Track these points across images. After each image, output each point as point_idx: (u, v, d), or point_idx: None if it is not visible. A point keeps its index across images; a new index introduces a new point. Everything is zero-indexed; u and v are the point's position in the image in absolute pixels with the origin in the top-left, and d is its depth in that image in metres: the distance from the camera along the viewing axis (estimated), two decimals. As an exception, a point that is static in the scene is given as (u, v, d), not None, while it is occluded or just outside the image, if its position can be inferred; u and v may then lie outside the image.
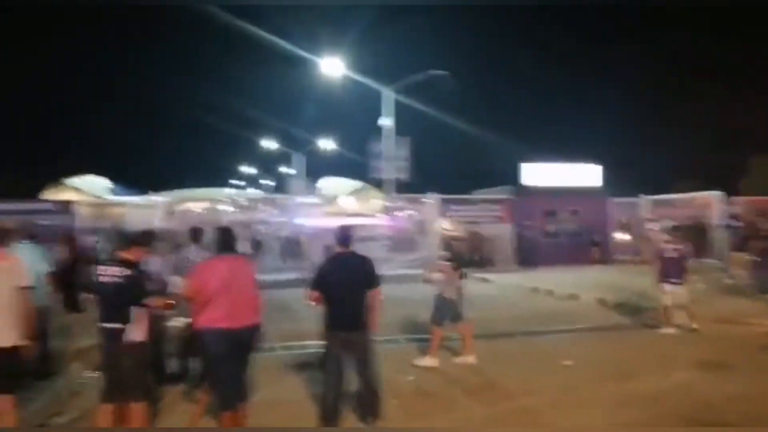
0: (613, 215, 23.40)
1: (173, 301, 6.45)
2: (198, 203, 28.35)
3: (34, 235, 7.87)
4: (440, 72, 25.27)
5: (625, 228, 23.47)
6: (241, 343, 5.21)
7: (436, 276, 8.54)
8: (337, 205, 33.92)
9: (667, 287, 10.30)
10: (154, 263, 7.17)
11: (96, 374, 5.29)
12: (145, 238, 7.56)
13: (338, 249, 5.80)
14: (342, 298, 5.59)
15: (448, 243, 9.13)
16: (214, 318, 5.16)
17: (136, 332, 5.12)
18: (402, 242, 22.71)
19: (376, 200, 31.34)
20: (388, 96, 25.60)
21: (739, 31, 63.11)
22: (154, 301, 5.52)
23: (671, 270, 10.30)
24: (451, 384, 7.31)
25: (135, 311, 5.13)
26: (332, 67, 25.89)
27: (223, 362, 5.18)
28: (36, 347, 5.18)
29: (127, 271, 5.15)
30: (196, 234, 7.60)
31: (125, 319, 5.07)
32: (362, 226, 22.86)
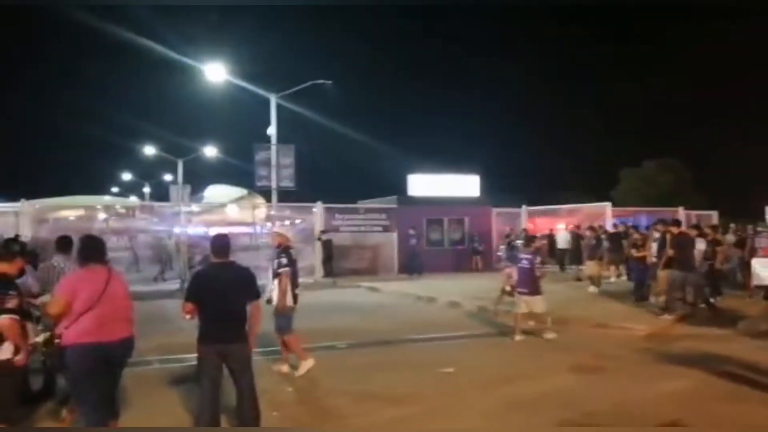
0: (495, 224, 24.24)
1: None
2: (72, 211, 26.88)
3: None
4: (324, 81, 25.28)
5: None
6: (110, 358, 4.88)
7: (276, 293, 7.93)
8: (222, 213, 33.11)
9: (523, 297, 10.52)
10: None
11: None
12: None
13: (215, 258, 5.58)
14: (218, 309, 5.38)
15: (285, 248, 8.12)
16: (81, 332, 4.82)
17: (4, 350, 4.75)
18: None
19: (261, 209, 30.89)
20: (273, 102, 25.28)
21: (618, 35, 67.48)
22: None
23: (524, 280, 10.58)
24: (333, 394, 7.23)
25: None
26: (214, 72, 25.27)
27: (91, 378, 4.83)
28: None
29: None
30: (63, 243, 7.12)
31: None
32: (245, 235, 22.46)
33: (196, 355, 5.52)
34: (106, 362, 4.86)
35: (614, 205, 24.85)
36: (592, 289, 15.60)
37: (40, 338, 5.93)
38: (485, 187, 24.86)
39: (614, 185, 47.20)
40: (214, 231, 24.88)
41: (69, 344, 4.86)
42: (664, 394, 7.10)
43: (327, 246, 21.21)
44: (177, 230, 23.56)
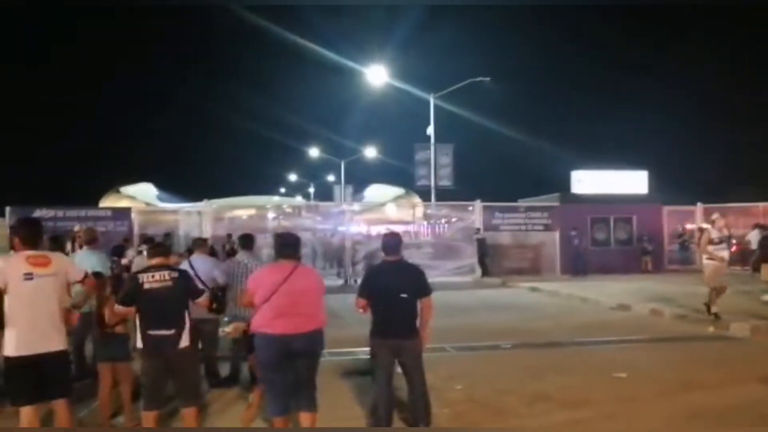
0: (666, 223, 22.89)
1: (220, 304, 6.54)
2: (244, 210, 28.77)
3: (92, 240, 7.95)
4: (483, 78, 25.14)
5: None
6: (293, 350, 5.10)
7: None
8: (381, 212, 33.96)
9: None
10: (204, 265, 7.30)
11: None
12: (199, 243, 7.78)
13: (386, 257, 5.72)
14: (391, 306, 5.50)
15: None
16: (259, 322, 5.12)
17: (186, 337, 5.16)
18: (446, 249, 22.63)
19: (419, 207, 31.31)
20: (431, 103, 25.53)
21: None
22: (202, 302, 5.60)
23: None
24: (503, 394, 7.14)
25: (186, 316, 5.17)
26: (376, 75, 25.99)
27: (273, 367, 5.13)
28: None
29: (175, 275, 5.20)
30: (246, 241, 7.63)
31: (179, 325, 5.10)
32: (405, 233, 22.89)
33: (365, 348, 5.67)
34: (286, 353, 5.08)
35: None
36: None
37: (228, 328, 6.42)
38: (655, 183, 23.49)
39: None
40: (375, 229, 25.69)
41: (254, 332, 5.21)
42: None
43: (481, 245, 21.06)
44: (341, 228, 24.48)
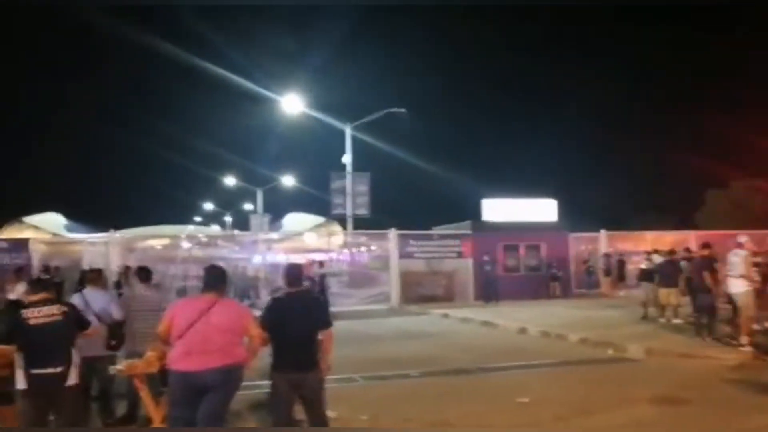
0: (572, 250, 23.73)
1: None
2: (157, 240, 27.96)
3: None
4: (398, 110, 25.56)
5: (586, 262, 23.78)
6: (201, 386, 4.96)
7: None
8: (299, 241, 33.74)
9: None
10: (99, 299, 7.01)
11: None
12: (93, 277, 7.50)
13: (288, 288, 5.69)
14: (291, 338, 5.46)
15: None
16: (176, 358, 4.99)
17: (75, 374, 4.98)
18: (361, 277, 22.73)
19: (338, 236, 31.33)
20: (348, 133, 25.73)
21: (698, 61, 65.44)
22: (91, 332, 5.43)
23: None
24: (407, 422, 7.18)
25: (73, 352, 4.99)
26: (291, 104, 26.02)
27: (178, 403, 4.99)
28: None
29: (64, 308, 5.02)
30: (143, 273, 7.43)
31: (66, 362, 4.92)
32: (321, 262, 22.85)
33: (268, 382, 5.61)
34: (193, 390, 4.95)
35: (700, 228, 23.95)
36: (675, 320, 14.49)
37: (121, 365, 6.21)
38: (562, 211, 24.39)
39: (698, 207, 45.36)
40: (294, 258, 25.49)
41: (168, 368, 5.10)
42: (759, 428, 6.72)
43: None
44: (257, 259, 24.16)
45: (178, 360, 5.00)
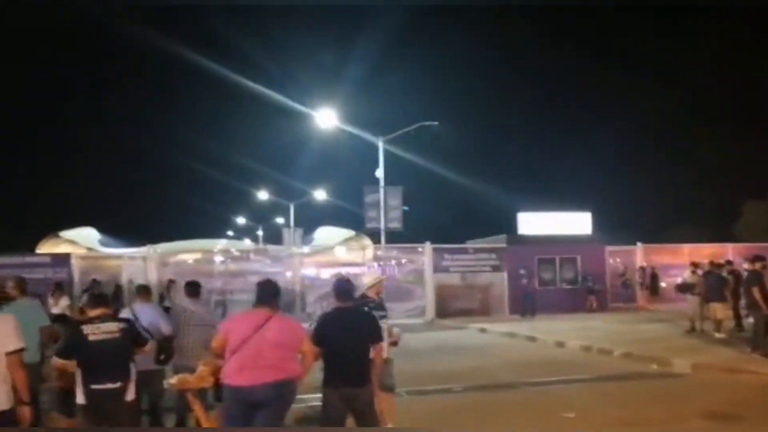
0: (608, 263, 23.47)
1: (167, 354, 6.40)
2: (190, 255, 28.26)
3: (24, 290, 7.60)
4: (430, 123, 25.58)
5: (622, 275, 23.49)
6: (254, 401, 4.97)
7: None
8: (331, 255, 33.86)
9: None
10: (148, 314, 7.10)
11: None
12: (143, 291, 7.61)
13: (338, 303, 5.70)
14: (343, 353, 5.46)
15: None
16: (230, 373, 5.02)
17: (132, 390, 5.04)
18: (395, 292, 22.67)
19: (369, 249, 31.34)
20: (380, 146, 25.81)
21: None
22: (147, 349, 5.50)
23: None
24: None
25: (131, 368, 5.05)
26: (326, 118, 26.18)
27: (232, 419, 5.02)
28: (31, 411, 4.69)
29: (122, 325, 5.09)
30: (192, 287, 7.51)
31: (124, 378, 4.98)
32: (355, 276, 22.81)
33: (318, 395, 5.61)
34: (247, 405, 4.97)
35: (738, 240, 23.50)
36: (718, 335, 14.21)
37: (173, 380, 6.25)
38: (598, 224, 24.13)
39: (735, 219, 44.55)
40: (325, 272, 25.56)
41: (223, 383, 5.11)
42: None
43: None
44: (289, 273, 24.25)
45: (233, 375, 5.02)
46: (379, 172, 25.53)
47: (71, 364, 4.98)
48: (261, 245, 45.85)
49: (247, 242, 52.43)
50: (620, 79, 78.41)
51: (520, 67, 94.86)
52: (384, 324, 6.31)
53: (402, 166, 28.15)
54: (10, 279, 7.44)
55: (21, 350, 4.53)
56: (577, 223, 23.85)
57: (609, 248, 23.48)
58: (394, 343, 6.83)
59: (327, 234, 46.39)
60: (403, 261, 24.97)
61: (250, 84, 28.88)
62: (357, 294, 6.00)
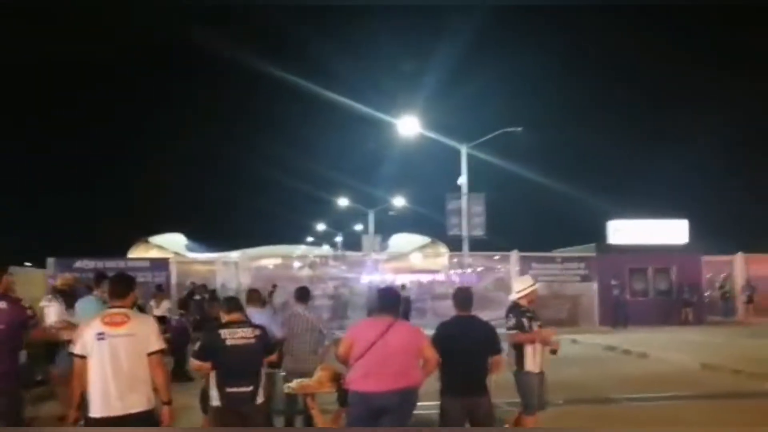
0: (704, 274, 22.50)
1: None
2: (270, 260, 28.85)
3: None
4: (514, 129, 25.17)
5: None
6: (381, 408, 4.95)
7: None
8: (407, 261, 33.94)
9: None
10: (261, 319, 7.19)
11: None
12: (254, 297, 7.73)
13: (458, 311, 5.63)
14: (463, 362, 5.39)
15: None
16: (356, 379, 5.02)
17: (262, 393, 5.12)
18: (481, 300, 22.38)
19: (444, 257, 31.23)
20: (464, 153, 25.57)
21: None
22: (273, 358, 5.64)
23: None
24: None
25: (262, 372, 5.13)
26: (407, 126, 26.14)
27: (359, 425, 5.01)
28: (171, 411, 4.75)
29: (258, 332, 5.15)
30: (302, 293, 7.58)
31: (256, 382, 5.08)
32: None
33: (433, 403, 5.53)
34: (374, 411, 4.95)
35: None
36: None
37: (293, 384, 6.27)
38: (695, 232, 23.15)
39: None
40: (401, 278, 25.54)
41: (347, 388, 5.11)
42: None
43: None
44: (366, 279, 24.39)
45: (358, 381, 5.01)
46: (462, 180, 25.27)
47: (207, 366, 5.08)
48: (339, 251, 46.31)
49: (326, 248, 53.08)
50: (718, 80, 75.11)
51: (608, 65, 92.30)
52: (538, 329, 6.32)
53: (485, 172, 27.80)
54: (71, 277, 7.66)
55: (162, 351, 4.65)
56: (672, 231, 22.92)
57: (706, 258, 22.48)
58: (553, 351, 6.73)
59: (403, 240, 46.52)
60: (479, 269, 24.73)
61: (332, 95, 29.06)
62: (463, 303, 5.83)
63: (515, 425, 6.73)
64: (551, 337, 6.64)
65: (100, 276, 7.95)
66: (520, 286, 6.74)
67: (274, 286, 16.33)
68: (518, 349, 6.57)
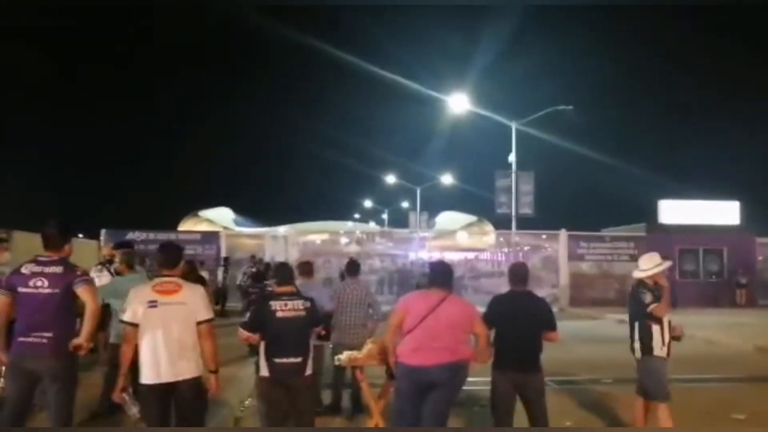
0: (758, 256, 21.93)
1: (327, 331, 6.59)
2: (317, 235, 29.10)
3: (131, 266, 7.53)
4: (565, 107, 24.77)
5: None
6: (429, 382, 4.98)
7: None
8: (453, 239, 33.84)
9: None
10: (312, 292, 7.29)
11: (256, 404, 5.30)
12: (306, 269, 7.83)
13: (513, 287, 5.60)
14: (516, 338, 5.37)
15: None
16: (405, 353, 5.07)
17: (310, 365, 5.20)
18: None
19: (490, 235, 31.04)
20: (514, 130, 25.31)
21: None
22: (319, 330, 5.70)
23: None
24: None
25: (310, 344, 5.22)
26: (458, 103, 25.96)
27: (405, 398, 5.06)
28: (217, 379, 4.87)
29: (308, 304, 5.23)
30: (353, 267, 7.66)
31: (305, 353, 5.15)
32: (486, 261, 22.70)
33: (481, 379, 5.54)
34: (421, 385, 4.99)
35: None
36: None
37: (343, 356, 6.37)
38: (748, 213, 22.53)
39: None
40: (447, 256, 25.52)
41: (396, 360, 5.17)
42: None
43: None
44: (412, 255, 24.42)
45: (408, 354, 5.05)
46: (512, 157, 25.04)
47: (255, 337, 5.17)
48: (386, 228, 46.43)
49: (372, 225, 53.28)
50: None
51: (665, 39, 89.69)
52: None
53: (535, 149, 27.51)
54: (119, 254, 7.69)
55: (211, 320, 4.77)
56: (724, 212, 22.37)
57: (760, 240, 21.88)
58: (676, 338, 6.37)
59: (449, 218, 46.33)
60: (526, 248, 24.54)
61: (384, 72, 29.01)
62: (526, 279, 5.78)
63: (644, 414, 6.64)
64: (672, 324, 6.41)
65: (122, 245, 8.01)
66: (649, 264, 6.38)
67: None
68: (647, 333, 6.33)
